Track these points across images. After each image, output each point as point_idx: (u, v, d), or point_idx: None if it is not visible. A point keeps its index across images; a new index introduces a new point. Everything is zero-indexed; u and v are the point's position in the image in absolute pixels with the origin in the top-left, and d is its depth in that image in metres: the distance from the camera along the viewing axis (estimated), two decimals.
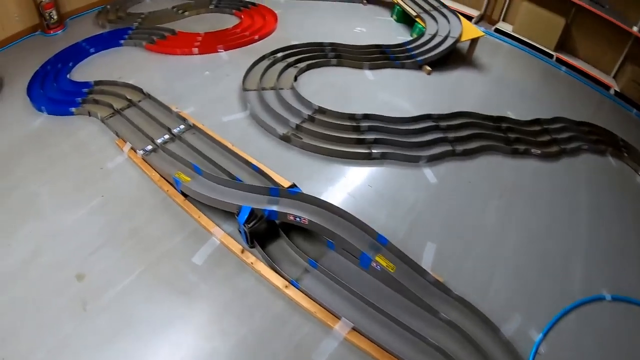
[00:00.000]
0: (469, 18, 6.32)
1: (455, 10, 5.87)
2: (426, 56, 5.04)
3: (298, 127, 3.72)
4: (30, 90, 4.24)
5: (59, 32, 5.41)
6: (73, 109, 3.95)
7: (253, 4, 5.85)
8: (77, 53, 4.77)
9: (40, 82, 4.32)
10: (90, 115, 3.93)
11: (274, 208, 2.82)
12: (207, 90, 4.19)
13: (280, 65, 4.45)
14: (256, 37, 4.97)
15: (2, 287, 2.59)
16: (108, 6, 5.84)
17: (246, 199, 2.90)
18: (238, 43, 4.87)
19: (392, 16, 6.28)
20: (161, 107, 3.88)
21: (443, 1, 6.08)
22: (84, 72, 4.48)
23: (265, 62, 4.48)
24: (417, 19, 5.71)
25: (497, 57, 5.73)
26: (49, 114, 3.99)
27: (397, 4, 6.11)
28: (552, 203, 3.57)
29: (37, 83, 4.32)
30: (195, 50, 4.64)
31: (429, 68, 5.03)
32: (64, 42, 5.07)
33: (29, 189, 3.23)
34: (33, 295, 2.55)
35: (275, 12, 5.73)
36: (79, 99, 4.02)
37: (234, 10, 5.69)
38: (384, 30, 5.82)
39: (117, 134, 3.64)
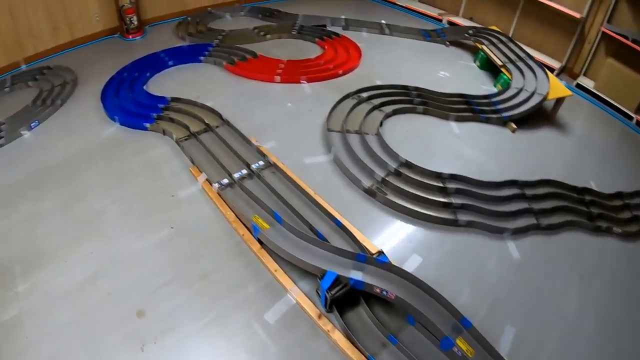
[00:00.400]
0: (550, 69, 5.93)
1: (540, 62, 5.50)
2: (512, 113, 4.68)
3: (384, 181, 3.43)
4: (105, 96, 4.10)
5: (137, 38, 5.33)
6: (147, 125, 3.77)
7: (336, 34, 5.65)
8: (155, 63, 4.64)
9: (116, 88, 4.19)
10: (164, 134, 3.74)
11: (361, 278, 2.53)
12: (288, 124, 3.96)
13: (365, 107, 4.19)
14: (340, 71, 4.74)
15: (52, 308, 2.38)
16: (189, 18, 5.76)
17: (331, 263, 2.61)
18: (321, 76, 4.65)
19: (475, 62, 5.96)
20: (240, 137, 3.66)
21: (528, 51, 5.74)
22: (161, 85, 4.34)
23: (350, 101, 4.23)
24: (502, 69, 5.37)
25: (578, 115, 5.28)
26: (121, 124, 3.85)
27: (482, 50, 5.80)
28: (631, 292, 3.15)
29: (112, 89, 4.19)
30: (278, 78, 4.43)
31: (514, 126, 4.67)
32: (142, 50, 4.97)
33: (94, 204, 3.05)
34: (86, 324, 2.32)
35: (359, 45, 5.49)
36: (154, 115, 3.85)
37: (316, 39, 5.49)
38: (467, 76, 5.50)
39: (192, 160, 3.43)
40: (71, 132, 3.74)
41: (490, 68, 5.71)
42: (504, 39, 5.95)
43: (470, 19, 7.45)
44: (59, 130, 3.77)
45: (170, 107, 3.96)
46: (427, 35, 6.41)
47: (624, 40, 5.22)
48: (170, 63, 4.64)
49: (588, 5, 5.69)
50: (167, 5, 5.91)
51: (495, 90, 5.25)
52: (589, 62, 6.03)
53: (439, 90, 4.68)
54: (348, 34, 5.92)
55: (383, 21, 6.62)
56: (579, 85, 5.98)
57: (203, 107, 3.94)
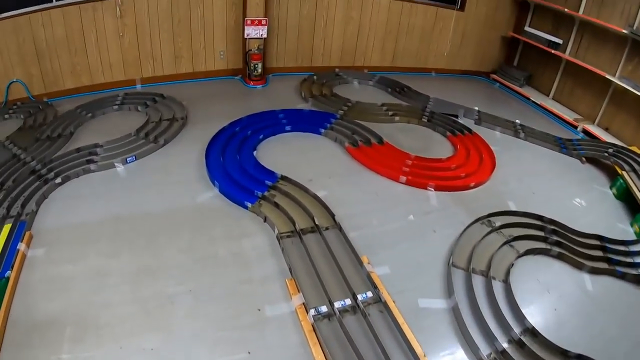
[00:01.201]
0: None
1: None
2: None
3: (503, 354, 2.73)
4: (210, 150, 3.76)
5: (259, 86, 5.09)
6: (248, 204, 3.33)
7: (469, 130, 5.06)
8: (271, 123, 4.28)
9: (223, 145, 3.83)
10: (265, 221, 3.27)
11: None
12: (407, 245, 3.35)
13: (495, 238, 3.52)
14: (472, 184, 4.10)
15: None
16: (315, 77, 5.43)
17: None
18: (451, 185, 4.03)
19: (611, 188, 5.11)
20: (350, 252, 3.10)
21: None
22: (273, 153, 3.94)
23: (479, 228, 3.59)
24: None
25: None
26: (220, 192, 3.43)
27: (622, 177, 4.96)
28: None
29: (220, 144, 3.85)
30: (403, 178, 3.87)
31: None
32: (261, 101, 4.69)
33: (169, 288, 2.65)
34: None
35: (492, 148, 4.86)
36: (259, 193, 3.41)
37: (448, 134, 4.92)
38: (603, 208, 4.65)
39: (290, 270, 2.91)
40: (166, 182, 3.47)
41: (627, 199, 4.84)
42: None
43: (607, 129, 6.69)
44: (154, 176, 3.52)
45: (279, 186, 3.52)
46: (562, 146, 5.69)
47: None
48: (288, 128, 4.26)
49: None
50: (294, 59, 5.70)
51: (631, 231, 4.41)
52: None
53: (575, 227, 3.92)
54: (480, 130, 5.34)
55: (517, 121, 5.99)
56: None
57: (315, 198, 3.45)
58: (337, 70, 5.92)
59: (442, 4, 6.83)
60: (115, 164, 3.50)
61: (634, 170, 5.06)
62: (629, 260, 3.86)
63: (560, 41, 7.00)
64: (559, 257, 3.73)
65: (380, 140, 4.26)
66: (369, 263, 3.03)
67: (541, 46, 7.11)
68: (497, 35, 7.76)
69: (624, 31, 5.97)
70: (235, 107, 4.39)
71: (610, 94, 6.60)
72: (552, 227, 3.91)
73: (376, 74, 6.26)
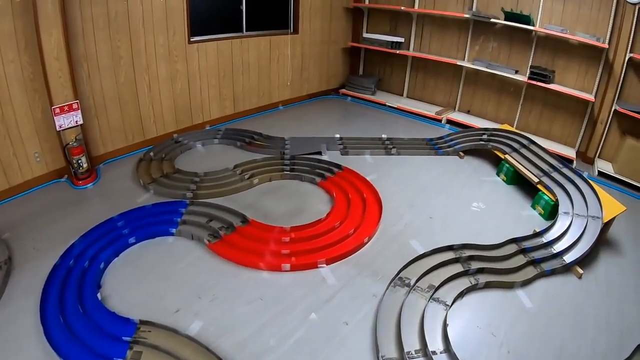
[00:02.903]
0: (569, 161, 5.31)
1: (553, 153, 4.80)
2: (577, 256, 3.52)
3: None
4: (46, 306, 2.64)
5: (89, 185, 3.97)
6: None
7: (338, 166, 4.45)
8: (111, 239, 3.22)
9: (59, 294, 2.70)
10: None
11: None
12: (323, 356, 2.52)
13: (416, 298, 2.90)
14: (365, 238, 3.43)
15: None
16: (151, 153, 4.44)
17: None
18: (343, 251, 3.30)
19: (498, 175, 4.93)
20: None
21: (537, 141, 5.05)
22: (122, 286, 2.91)
23: (394, 294, 2.93)
24: (540, 187, 4.35)
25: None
26: None
27: (506, 161, 4.80)
28: None
29: (55, 292, 2.71)
30: (287, 266, 3.05)
31: (580, 271, 3.53)
32: (94, 207, 3.69)
33: None
34: None
35: (368, 179, 4.33)
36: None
37: (317, 180, 4.24)
38: (500, 202, 4.43)
39: None
40: None
41: (518, 181, 4.78)
42: (524, 142, 5.04)
43: (468, 112, 6.70)
44: None
45: (140, 339, 2.48)
46: (436, 147, 5.45)
47: None
48: (132, 240, 3.24)
49: (596, 86, 5.46)
50: (123, 137, 4.65)
51: (535, 213, 4.29)
52: (602, 143, 5.51)
53: (486, 240, 3.55)
54: (349, 160, 4.81)
55: (384, 136, 5.60)
56: (601, 174, 5.29)
57: (189, 340, 2.48)
58: (175, 136, 4.98)
59: (273, 31, 6.25)
60: None
61: (515, 150, 4.94)
62: (550, 251, 3.58)
63: (402, 39, 6.90)
64: (487, 286, 3.24)
65: (245, 220, 3.42)
66: None
67: (383, 49, 6.89)
68: (337, 48, 7.44)
69: (466, 16, 5.98)
70: (66, 226, 3.30)
71: (463, 77, 6.62)
72: (466, 253, 3.44)
73: (221, 127, 5.44)
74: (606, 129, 5.37)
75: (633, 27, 4.91)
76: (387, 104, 7.02)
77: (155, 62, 4.75)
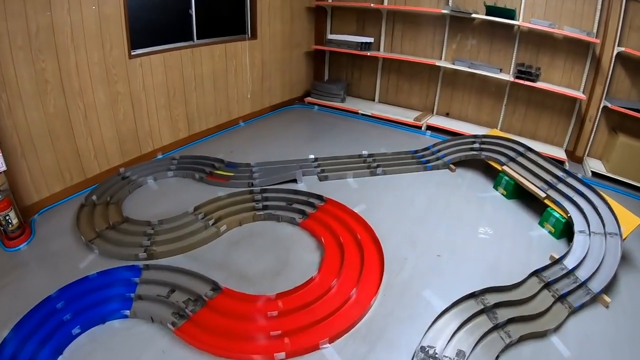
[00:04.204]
0: (561, 162, 4.99)
1: (551, 158, 4.41)
2: (603, 282, 3.06)
3: None
4: None
5: (21, 246, 3.13)
6: None
7: (319, 197, 3.77)
8: (48, 330, 2.40)
9: None
10: None
11: None
12: None
13: None
14: (372, 299, 2.74)
15: None
16: (94, 197, 3.61)
17: None
18: (347, 320, 2.58)
19: (496, 188, 4.45)
20: None
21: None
22: None
23: None
24: (548, 203, 3.90)
25: None
26: None
27: (504, 173, 4.36)
28: None
29: None
30: (281, 354, 2.32)
31: (607, 299, 3.09)
32: (29, 276, 2.87)
33: None
34: None
35: (357, 212, 3.68)
36: None
37: (298, 219, 3.51)
38: (506, 223, 3.90)
39: None
40: None
41: (519, 194, 4.32)
42: (520, 149, 4.59)
43: (447, 114, 6.25)
44: None
45: None
46: (424, 160, 4.88)
47: (631, 113, 4.64)
48: (77, 330, 2.44)
49: (583, 82, 5.19)
50: (59, 178, 3.80)
51: (545, 232, 3.83)
52: (591, 141, 5.30)
53: (507, 279, 3.03)
54: (330, 187, 4.16)
55: (365, 152, 4.97)
56: (594, 174, 5.04)
57: None
58: (122, 170, 4.15)
59: (229, 37, 5.48)
60: None
61: (512, 159, 4.51)
62: (573, 280, 3.11)
63: (371, 39, 6.30)
64: (520, 340, 2.67)
65: (216, 287, 2.68)
66: None
67: (351, 51, 6.28)
68: (300, 52, 6.75)
69: (444, 11, 5.48)
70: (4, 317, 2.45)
71: (441, 78, 6.13)
72: (488, 298, 2.88)
73: (175, 154, 4.65)
74: (595, 126, 5.13)
75: (620, 20, 4.65)
76: (360, 112, 6.40)
77: (91, 85, 3.90)
